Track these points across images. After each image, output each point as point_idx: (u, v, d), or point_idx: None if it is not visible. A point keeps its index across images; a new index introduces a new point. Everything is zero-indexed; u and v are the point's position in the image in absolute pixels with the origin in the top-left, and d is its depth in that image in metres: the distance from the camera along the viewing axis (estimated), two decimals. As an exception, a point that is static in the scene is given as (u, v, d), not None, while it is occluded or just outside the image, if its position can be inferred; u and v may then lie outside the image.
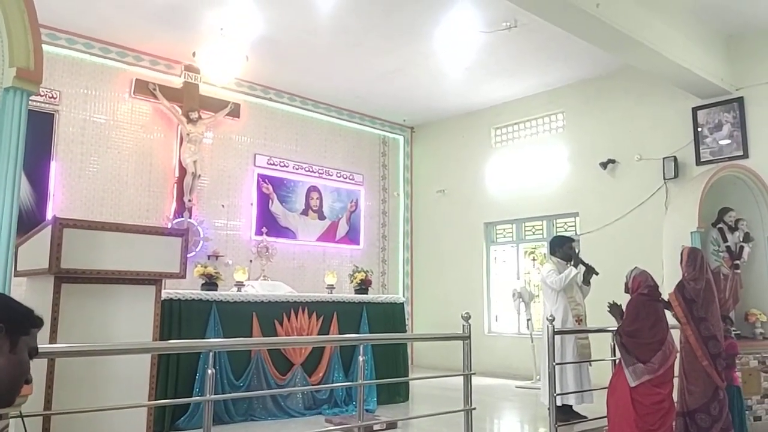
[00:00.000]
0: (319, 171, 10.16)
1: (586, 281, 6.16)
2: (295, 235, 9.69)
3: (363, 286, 7.19)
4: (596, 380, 5.82)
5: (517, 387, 8.19)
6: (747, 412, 5.21)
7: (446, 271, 10.62)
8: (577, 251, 6.32)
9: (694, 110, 7.89)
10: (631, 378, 4.28)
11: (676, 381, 4.48)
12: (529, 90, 9.55)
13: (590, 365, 5.89)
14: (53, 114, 7.51)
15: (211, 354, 3.32)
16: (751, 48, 7.52)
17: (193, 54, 8.00)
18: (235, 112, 9.07)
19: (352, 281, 7.26)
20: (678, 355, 4.47)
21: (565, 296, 5.97)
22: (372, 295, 7.19)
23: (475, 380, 4.48)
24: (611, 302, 4.72)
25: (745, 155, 7.39)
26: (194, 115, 8.43)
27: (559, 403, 5.29)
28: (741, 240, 6.51)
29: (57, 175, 7.50)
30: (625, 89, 8.63)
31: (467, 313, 4.37)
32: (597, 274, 6.12)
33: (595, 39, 6.42)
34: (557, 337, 5.27)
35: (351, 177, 10.61)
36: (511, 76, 8.99)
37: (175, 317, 5.35)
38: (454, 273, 10.46)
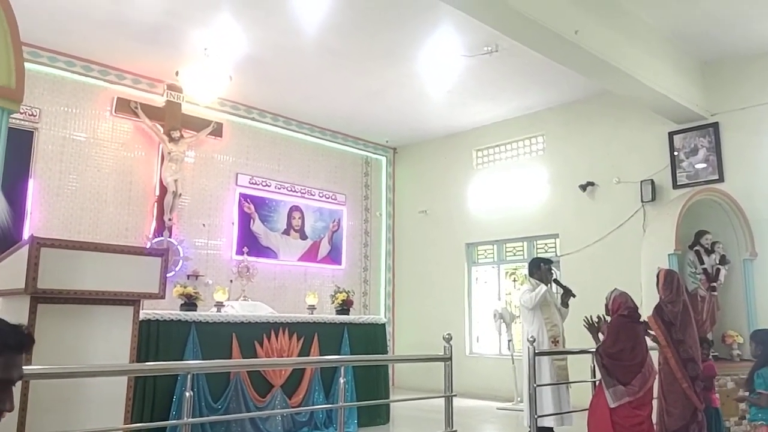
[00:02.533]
0: (302, 191, 10.15)
1: (564, 303, 6.20)
2: (276, 255, 9.64)
3: (344, 307, 7.15)
4: (576, 401, 5.83)
5: (498, 408, 8.17)
6: (725, 433, 5.25)
7: (428, 292, 10.62)
8: (553, 273, 6.37)
9: (671, 135, 8.06)
10: (611, 399, 4.30)
11: (655, 403, 4.51)
12: (510, 113, 9.69)
13: (569, 387, 5.90)
14: (32, 132, 7.43)
15: (189, 376, 3.27)
16: (725, 75, 7.73)
17: (176, 73, 8.00)
18: (217, 131, 9.06)
19: (333, 302, 7.22)
20: (657, 377, 4.50)
21: (541, 316, 5.99)
22: (353, 316, 7.16)
23: (457, 402, 4.47)
24: (588, 318, 4.76)
25: (721, 179, 7.55)
26: (176, 134, 8.40)
27: (530, 425, 5.29)
28: (717, 262, 6.62)
29: (35, 193, 7.40)
30: (603, 113, 8.79)
31: (449, 334, 4.37)
32: (574, 296, 6.16)
33: (573, 64, 6.55)
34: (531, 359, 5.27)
35: (333, 197, 10.61)
36: (492, 100, 9.11)
37: (153, 338, 5.26)
38: (436, 294, 10.46)
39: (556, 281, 6.30)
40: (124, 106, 8.18)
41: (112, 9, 6.62)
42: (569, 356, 6.02)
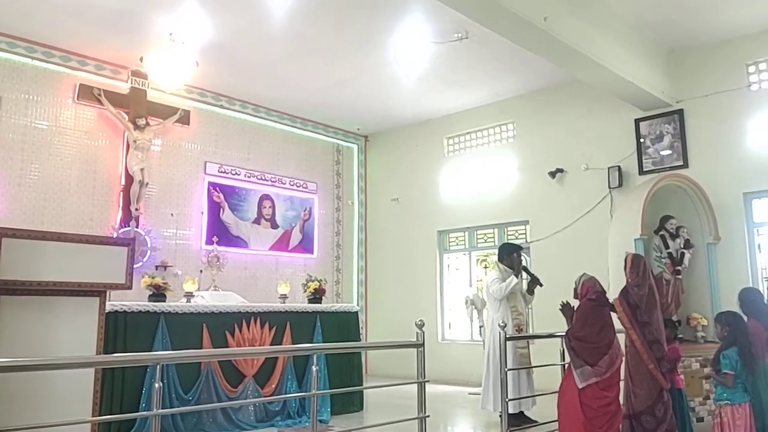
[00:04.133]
0: (272, 179, 10.05)
1: (530, 291, 6.29)
2: (247, 245, 9.54)
3: (317, 296, 7.13)
4: (546, 386, 5.93)
5: (470, 394, 8.26)
6: (690, 413, 5.38)
7: (400, 279, 10.65)
8: (522, 261, 6.45)
9: (637, 122, 8.18)
10: (578, 379, 4.39)
11: (622, 384, 4.60)
12: (481, 100, 9.72)
13: (532, 372, 6.02)
14: (-9, 119, 7.20)
15: (158, 367, 3.23)
16: (690, 63, 7.87)
17: (141, 59, 7.82)
18: (184, 118, 8.90)
19: (305, 290, 7.20)
20: (624, 358, 4.60)
21: (507, 305, 6.07)
22: (326, 305, 7.14)
23: (429, 388, 4.49)
24: (563, 302, 4.83)
25: (685, 165, 7.71)
26: (141, 122, 8.22)
27: (502, 410, 5.41)
28: (682, 246, 6.76)
29: (-5, 182, 7.18)
30: (571, 101, 8.88)
31: (421, 320, 4.39)
32: (541, 285, 6.26)
33: (542, 51, 6.59)
34: (498, 345, 5.35)
35: (304, 185, 10.54)
36: (462, 87, 9.13)
37: (120, 330, 5.18)
38: (408, 281, 10.50)
39: (525, 268, 6.39)
40: (87, 93, 7.97)
41: (73, -8, 6.43)
42: (538, 341, 6.12)
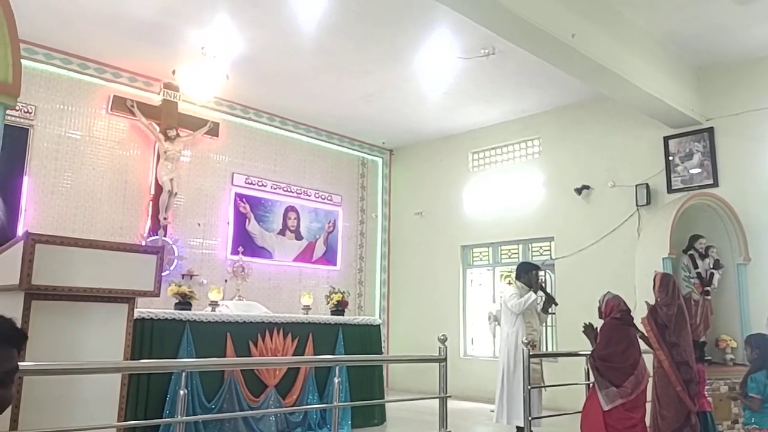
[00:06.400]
0: (297, 191, 10.14)
1: (545, 310, 6.29)
2: (271, 255, 9.62)
3: (339, 308, 7.15)
4: (570, 404, 5.85)
5: (492, 411, 8.15)
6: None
7: (423, 294, 10.62)
8: (540, 280, 6.45)
9: (666, 139, 8.09)
10: (604, 401, 4.32)
11: (648, 406, 4.52)
12: (506, 116, 9.71)
13: (542, 391, 6.02)
14: (28, 129, 7.41)
15: (183, 374, 3.27)
16: (720, 80, 7.76)
17: (173, 72, 7.99)
18: (213, 130, 9.05)
19: (328, 302, 7.22)
20: (651, 380, 4.52)
21: (523, 320, 6.09)
22: (348, 317, 7.16)
23: (451, 403, 4.47)
24: (586, 323, 4.78)
25: (715, 184, 7.58)
26: (172, 133, 8.38)
27: (505, 422, 5.40)
28: (711, 267, 6.65)
29: (30, 190, 7.37)
30: (598, 117, 8.82)
31: (443, 335, 4.38)
32: (556, 304, 6.29)
33: (570, 68, 6.57)
34: (512, 361, 5.32)
35: (329, 198, 10.61)
36: (488, 102, 9.13)
37: (147, 336, 5.25)
38: (431, 295, 10.47)
39: (542, 288, 6.38)
40: (120, 105, 8.16)
41: (109, 6, 6.61)
42: (562, 359, 6.07)
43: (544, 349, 6.17)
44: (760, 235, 7.06)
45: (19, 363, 1.48)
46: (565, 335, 8.26)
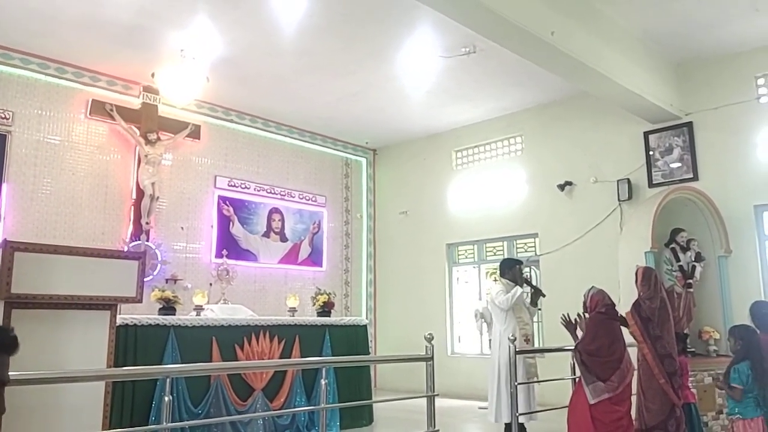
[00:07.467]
0: (281, 193, 10.10)
1: (534, 302, 6.31)
2: (256, 258, 9.57)
3: (325, 309, 7.12)
4: (556, 399, 5.89)
5: (479, 408, 8.19)
6: (703, 428, 5.32)
7: (409, 293, 10.63)
8: (524, 273, 6.49)
9: (646, 134, 8.17)
10: (591, 395, 4.34)
11: (634, 399, 4.56)
12: (489, 114, 9.75)
13: (538, 384, 6.02)
14: (5, 135, 7.30)
15: (168, 380, 3.24)
16: (699, 76, 7.86)
17: (152, 75, 7.92)
18: (195, 133, 8.97)
19: (314, 304, 7.20)
20: (636, 372, 4.55)
21: (514, 316, 6.11)
22: (335, 318, 7.14)
23: (439, 402, 4.47)
24: (565, 317, 4.80)
25: (695, 178, 7.67)
26: (153, 137, 8.30)
27: (507, 420, 5.40)
28: (693, 259, 6.72)
29: (8, 197, 7.26)
30: (580, 114, 8.89)
31: (430, 334, 4.38)
32: (544, 296, 6.32)
33: (550, 65, 6.61)
34: (505, 358, 5.34)
35: (313, 199, 10.58)
36: (470, 100, 9.16)
37: (130, 343, 5.19)
38: (418, 294, 10.48)
39: (527, 281, 6.41)
40: (99, 109, 8.06)
41: (86, 10, 6.53)
42: (548, 354, 6.11)
43: (538, 344, 6.19)
44: (740, 228, 7.17)
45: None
46: (550, 330, 8.31)
